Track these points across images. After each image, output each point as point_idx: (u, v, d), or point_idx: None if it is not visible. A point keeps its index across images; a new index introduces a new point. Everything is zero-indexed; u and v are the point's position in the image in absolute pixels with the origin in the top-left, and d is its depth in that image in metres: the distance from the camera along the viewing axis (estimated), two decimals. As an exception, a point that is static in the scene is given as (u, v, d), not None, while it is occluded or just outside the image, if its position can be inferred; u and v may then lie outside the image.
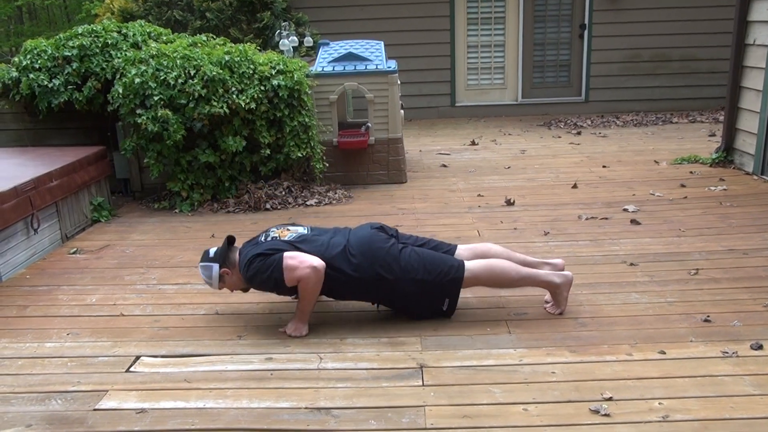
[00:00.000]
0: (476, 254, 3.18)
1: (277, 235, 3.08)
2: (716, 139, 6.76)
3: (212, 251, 3.13)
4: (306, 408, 2.44)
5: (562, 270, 3.19)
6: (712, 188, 5.16)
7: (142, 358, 2.86)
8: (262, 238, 3.10)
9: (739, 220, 4.38)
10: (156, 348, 2.94)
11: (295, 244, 3.00)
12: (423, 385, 2.56)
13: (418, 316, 3.09)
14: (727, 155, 5.86)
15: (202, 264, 3.13)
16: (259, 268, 2.94)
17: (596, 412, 2.33)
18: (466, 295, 3.25)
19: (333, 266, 2.96)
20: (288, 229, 3.13)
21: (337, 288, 3.04)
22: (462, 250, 3.22)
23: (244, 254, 3.04)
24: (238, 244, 3.19)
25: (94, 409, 2.47)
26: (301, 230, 3.14)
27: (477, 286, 3.16)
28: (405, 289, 3.01)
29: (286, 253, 2.93)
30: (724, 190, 5.10)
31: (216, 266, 3.07)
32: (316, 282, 2.90)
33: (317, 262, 2.90)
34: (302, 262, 2.89)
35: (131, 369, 2.77)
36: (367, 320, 3.14)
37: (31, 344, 3.02)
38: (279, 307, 3.31)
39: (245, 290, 3.21)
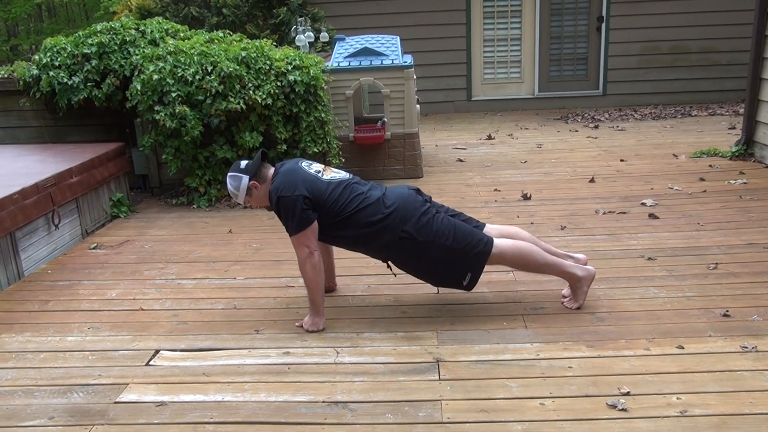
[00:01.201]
0: (504, 235, 3.15)
1: (320, 169, 3.07)
2: (736, 132, 6.67)
3: (243, 163, 3.07)
4: (323, 402, 2.45)
5: (585, 265, 3.18)
6: (732, 182, 5.10)
7: (161, 351, 2.89)
8: (305, 165, 3.07)
9: (759, 213, 4.33)
10: (175, 342, 2.98)
11: (332, 186, 3.00)
12: (439, 379, 2.57)
13: (437, 283, 3.08)
14: (747, 148, 5.78)
15: (231, 173, 3.05)
16: (284, 207, 2.93)
17: (614, 406, 2.32)
18: (482, 290, 3.25)
19: (362, 218, 2.96)
20: (330, 169, 3.11)
21: (363, 240, 3.02)
22: (490, 229, 3.18)
23: (280, 177, 2.99)
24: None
25: (115, 402, 2.51)
26: (344, 175, 3.12)
27: (500, 265, 3.13)
28: (431, 254, 2.98)
29: (309, 228, 2.93)
30: (744, 183, 5.04)
31: (246, 177, 3.02)
32: (311, 268, 2.94)
33: (316, 258, 2.93)
34: (310, 246, 2.93)
35: (151, 363, 2.80)
36: (383, 315, 3.15)
37: (53, 338, 3.07)
38: (296, 301, 3.33)
39: (269, 209, 3.11)
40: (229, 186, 3.07)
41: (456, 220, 3.09)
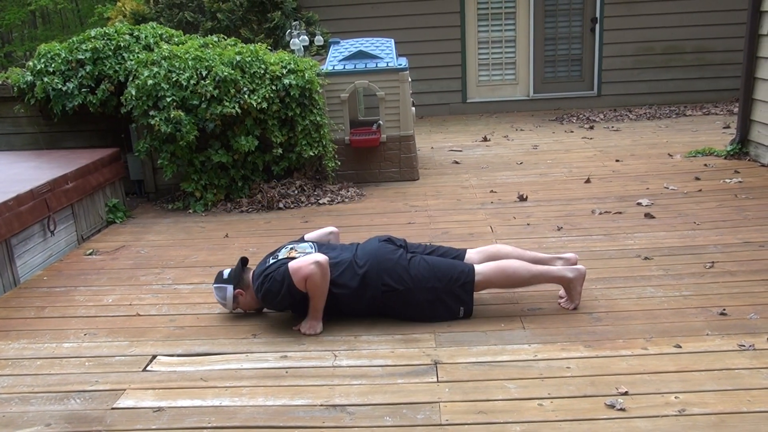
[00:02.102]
0: (487, 256, 3.18)
1: (285, 256, 3.10)
2: (731, 131, 6.69)
3: (226, 272, 3.19)
4: (321, 405, 2.45)
5: (575, 264, 3.18)
6: (727, 181, 5.11)
7: (158, 357, 2.88)
8: (271, 260, 3.13)
9: (755, 212, 4.34)
10: (172, 347, 2.97)
11: None
12: (437, 381, 2.56)
13: (434, 321, 3.06)
14: (742, 147, 5.80)
15: (216, 285, 3.19)
16: (271, 280, 2.98)
17: (612, 406, 2.32)
18: (480, 293, 3.25)
19: (340, 282, 3.00)
20: (295, 250, 3.14)
21: (347, 304, 3.05)
22: (472, 254, 3.23)
23: (256, 273, 3.09)
24: (255, 256, 3.21)
25: (112, 408, 2.50)
26: (309, 249, 3.16)
27: (490, 288, 3.15)
28: (417, 298, 3.00)
29: (290, 262, 2.98)
30: (740, 182, 5.06)
31: (230, 287, 3.13)
32: (322, 276, 2.92)
33: (321, 257, 2.93)
34: (305, 260, 2.93)
35: (148, 368, 2.79)
36: (380, 318, 3.14)
37: (50, 344, 3.06)
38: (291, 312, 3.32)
39: (260, 310, 3.26)
40: (216, 297, 3.21)
41: (433, 257, 3.12)
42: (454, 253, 3.23)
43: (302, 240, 3.35)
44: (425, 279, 3.00)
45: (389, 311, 3.08)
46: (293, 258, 3.04)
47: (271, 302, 3.10)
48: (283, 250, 3.17)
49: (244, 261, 3.24)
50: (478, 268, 3.05)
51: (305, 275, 2.89)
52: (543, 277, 3.09)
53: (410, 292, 3.00)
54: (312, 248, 3.16)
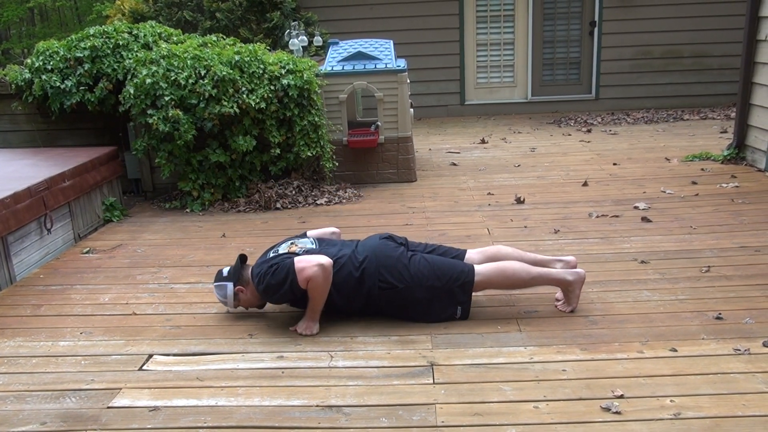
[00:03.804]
0: (487, 257, 3.18)
1: (286, 250, 3.10)
2: (728, 136, 6.71)
3: (225, 270, 3.19)
4: (317, 406, 2.45)
5: (575, 267, 3.19)
6: (724, 185, 5.13)
7: (154, 356, 2.88)
8: (271, 254, 3.12)
9: (751, 217, 4.35)
10: (168, 346, 2.96)
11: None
12: (434, 383, 2.57)
13: (431, 321, 3.06)
14: (738, 152, 5.82)
15: (216, 284, 3.18)
16: (274, 274, 2.95)
17: (607, 409, 2.32)
18: (476, 294, 3.25)
19: (339, 278, 2.98)
20: (296, 245, 3.14)
21: (344, 301, 3.05)
22: (472, 254, 3.22)
23: (257, 269, 3.07)
24: (252, 256, 3.21)
25: (108, 407, 2.49)
26: (309, 245, 3.15)
27: (490, 289, 3.15)
28: (416, 297, 3.00)
29: (296, 257, 2.97)
30: (736, 187, 5.07)
31: (230, 285, 3.12)
32: (324, 279, 2.91)
33: (325, 260, 2.92)
34: (310, 261, 2.92)
35: (144, 367, 2.79)
36: (377, 319, 3.14)
37: (45, 343, 3.05)
38: (289, 306, 3.32)
39: (260, 307, 3.25)
40: (217, 296, 3.20)
41: (433, 256, 3.12)
42: (454, 252, 3.23)
43: (304, 235, 3.34)
44: (425, 277, 2.99)
45: (385, 309, 3.08)
46: (295, 253, 3.03)
47: (272, 296, 3.07)
48: (284, 244, 3.16)
49: (242, 258, 3.22)
50: (478, 268, 3.04)
51: (308, 276, 2.89)
52: (543, 279, 3.09)
53: (409, 290, 2.99)
54: (313, 244, 3.15)
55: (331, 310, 3.08)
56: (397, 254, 3.05)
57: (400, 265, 3.01)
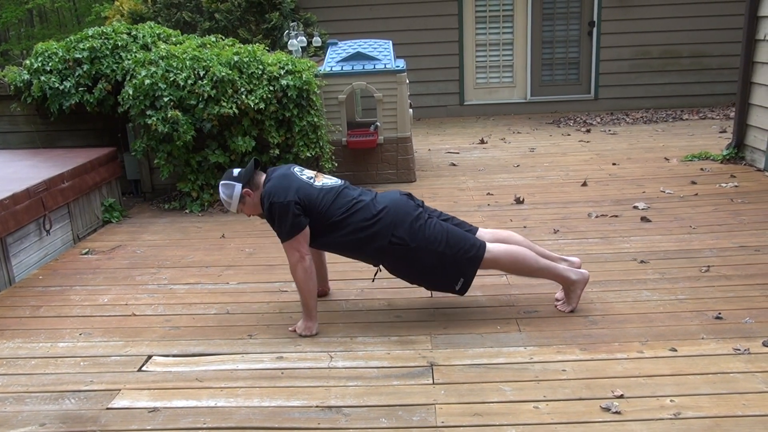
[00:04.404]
0: (497, 239, 3.14)
1: (312, 176, 3.05)
2: (727, 136, 6.71)
3: (236, 171, 3.06)
4: (317, 406, 2.44)
5: (579, 268, 3.18)
6: (723, 185, 5.13)
7: (153, 357, 2.88)
8: (296, 171, 3.06)
9: (751, 216, 4.35)
10: (167, 347, 2.96)
11: (324, 193, 2.99)
12: (433, 383, 2.57)
13: (430, 288, 3.07)
14: (738, 152, 5.82)
15: (224, 182, 3.05)
16: (276, 212, 2.91)
17: (607, 409, 2.32)
18: (475, 293, 3.25)
19: (355, 222, 2.95)
20: (323, 176, 3.09)
21: (354, 245, 3.00)
22: (483, 233, 3.17)
23: (272, 183, 2.98)
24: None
25: (107, 408, 2.49)
26: (335, 181, 3.10)
27: (494, 270, 3.12)
28: (423, 259, 2.97)
29: (301, 233, 2.92)
30: (736, 186, 5.07)
31: (239, 185, 3.01)
32: (304, 273, 2.93)
33: (307, 262, 2.92)
34: (301, 251, 2.92)
35: (143, 368, 2.79)
36: (377, 319, 3.14)
37: (45, 344, 3.05)
38: (289, 306, 3.32)
39: (262, 216, 3.10)
40: (222, 194, 3.05)
41: (448, 224, 3.08)
42: (467, 227, 3.18)
43: None
44: (437, 242, 2.95)
45: (388, 265, 3.05)
46: (317, 184, 3.00)
47: (268, 220, 3.02)
48: (308, 171, 3.12)
49: (257, 162, 3.11)
50: (489, 246, 3.01)
51: (290, 262, 2.93)
52: (548, 272, 3.07)
53: (418, 251, 2.95)
54: (337, 182, 3.11)
55: (334, 251, 3.08)
56: (416, 213, 3.01)
57: (416, 224, 2.97)
